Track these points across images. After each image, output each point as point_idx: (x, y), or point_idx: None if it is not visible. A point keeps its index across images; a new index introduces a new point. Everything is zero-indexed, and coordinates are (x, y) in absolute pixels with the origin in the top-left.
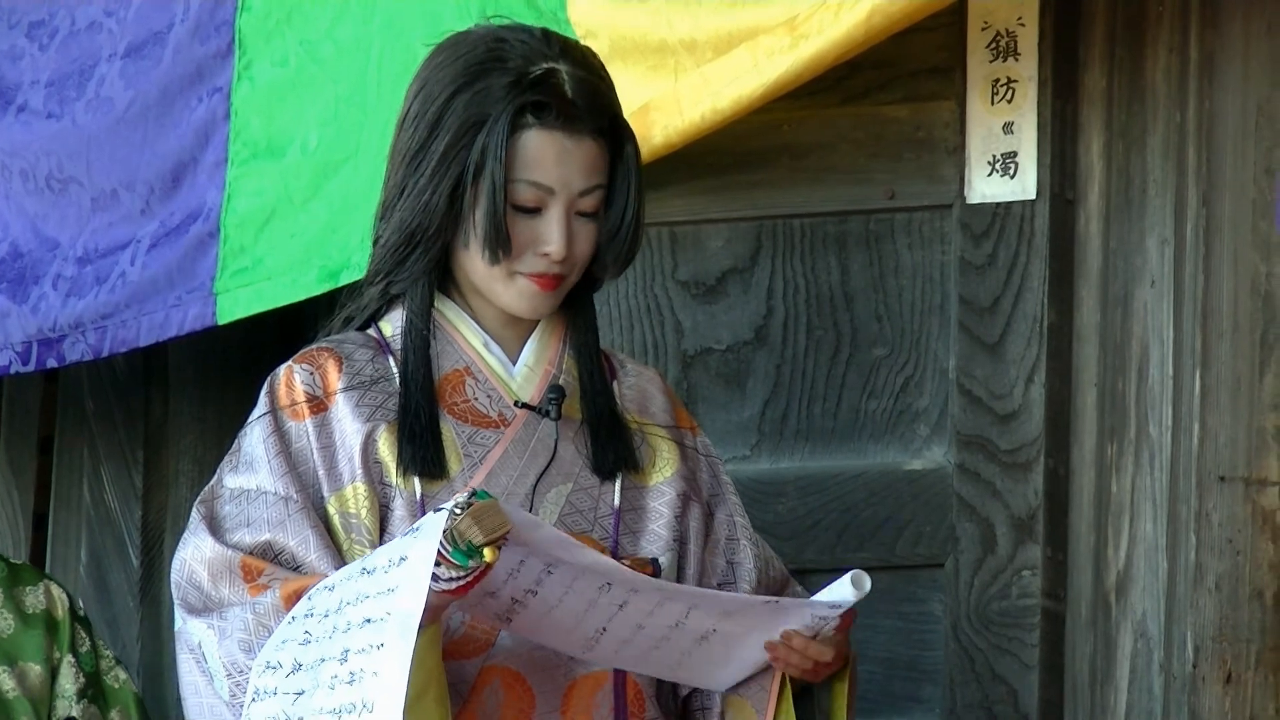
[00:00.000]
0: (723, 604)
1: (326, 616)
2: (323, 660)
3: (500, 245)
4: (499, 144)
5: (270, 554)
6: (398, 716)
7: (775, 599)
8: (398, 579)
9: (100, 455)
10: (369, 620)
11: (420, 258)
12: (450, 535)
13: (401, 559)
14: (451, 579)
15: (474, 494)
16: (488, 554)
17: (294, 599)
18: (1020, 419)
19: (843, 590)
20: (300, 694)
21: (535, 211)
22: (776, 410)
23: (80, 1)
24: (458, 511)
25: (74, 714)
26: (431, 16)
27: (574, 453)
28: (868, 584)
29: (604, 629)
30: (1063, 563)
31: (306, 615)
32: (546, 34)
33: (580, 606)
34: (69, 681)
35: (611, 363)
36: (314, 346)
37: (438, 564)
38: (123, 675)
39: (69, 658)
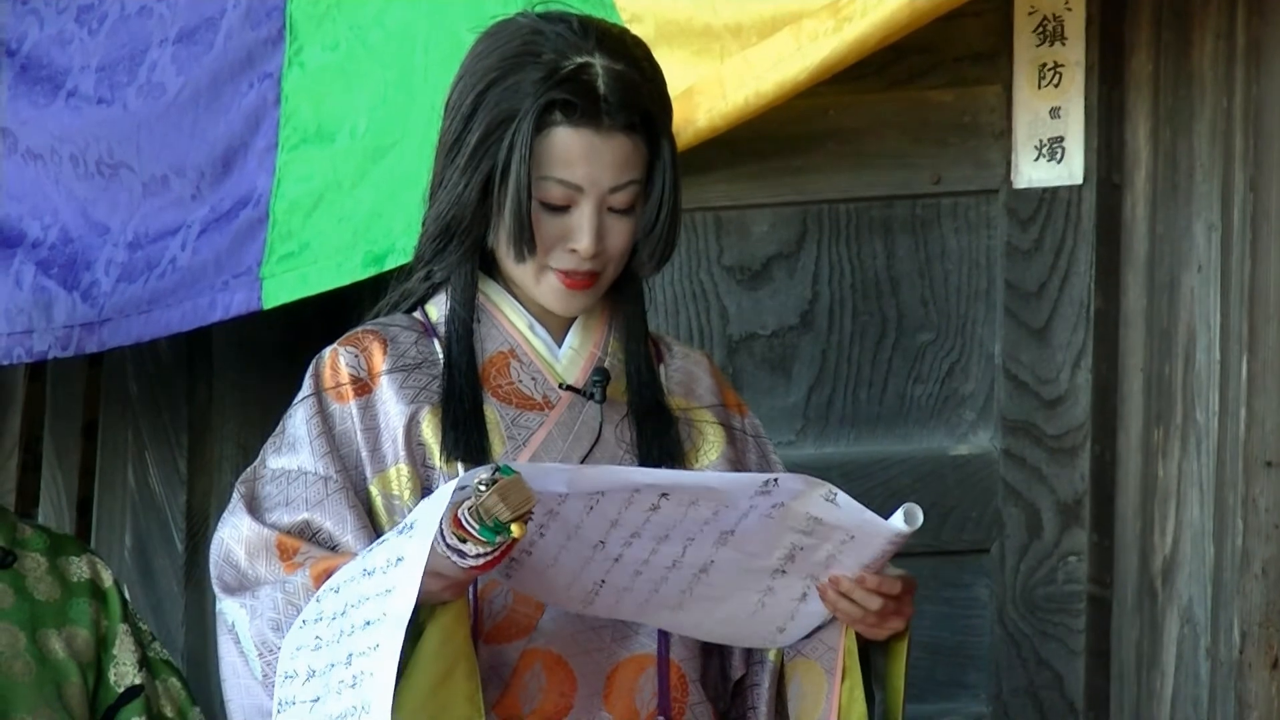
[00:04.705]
0: (723, 483)
1: (334, 620)
2: (332, 665)
3: (525, 244)
4: (525, 142)
5: (308, 533)
6: (387, 715)
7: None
8: (394, 580)
9: (144, 440)
10: (369, 623)
11: (457, 248)
12: (476, 512)
13: (399, 559)
14: (479, 555)
15: (498, 469)
16: (515, 529)
17: (324, 578)
18: (1067, 404)
19: (894, 521)
20: (316, 700)
21: (565, 209)
22: (822, 396)
23: None
24: (483, 489)
25: (139, 681)
26: (475, 2)
27: (618, 437)
28: (920, 517)
29: (602, 580)
30: (1109, 548)
31: (316, 619)
32: (585, 25)
33: (577, 563)
34: (129, 651)
35: (659, 346)
36: (359, 329)
37: (464, 540)
38: (163, 650)
39: (123, 626)
